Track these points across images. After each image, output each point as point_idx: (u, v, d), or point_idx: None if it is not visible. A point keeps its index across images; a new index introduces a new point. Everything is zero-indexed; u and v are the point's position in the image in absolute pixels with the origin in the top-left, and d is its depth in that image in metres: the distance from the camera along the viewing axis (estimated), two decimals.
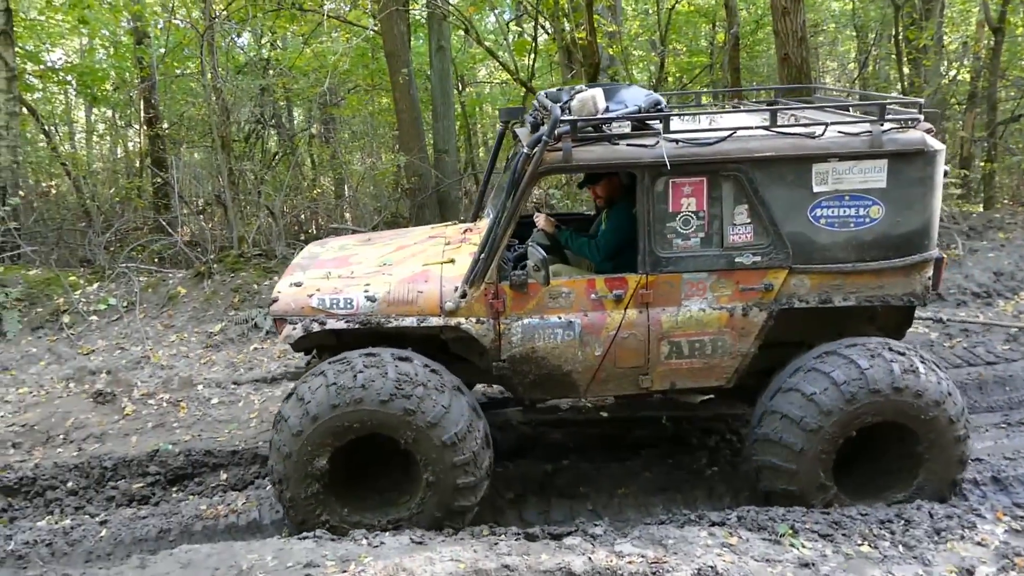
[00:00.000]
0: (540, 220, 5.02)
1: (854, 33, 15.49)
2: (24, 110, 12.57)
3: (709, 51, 14.54)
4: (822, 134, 4.14)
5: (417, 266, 4.58)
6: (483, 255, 4.24)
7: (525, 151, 4.17)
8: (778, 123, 4.22)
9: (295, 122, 16.10)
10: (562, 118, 4.08)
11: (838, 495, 4.20)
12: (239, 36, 13.92)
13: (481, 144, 15.42)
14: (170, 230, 10.28)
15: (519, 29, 13.53)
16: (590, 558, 3.51)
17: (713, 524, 3.93)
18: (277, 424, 4.16)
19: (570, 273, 4.67)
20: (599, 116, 4.20)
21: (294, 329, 4.38)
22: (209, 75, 11.03)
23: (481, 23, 14.12)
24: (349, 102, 14.43)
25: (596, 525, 4.04)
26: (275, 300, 4.49)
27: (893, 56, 12.42)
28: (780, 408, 4.16)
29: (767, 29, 13.54)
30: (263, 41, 14.32)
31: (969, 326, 7.11)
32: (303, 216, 12.07)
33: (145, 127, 13.57)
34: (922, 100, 4.47)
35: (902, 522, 3.93)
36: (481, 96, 15.48)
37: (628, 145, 4.16)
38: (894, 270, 4.25)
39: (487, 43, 11.77)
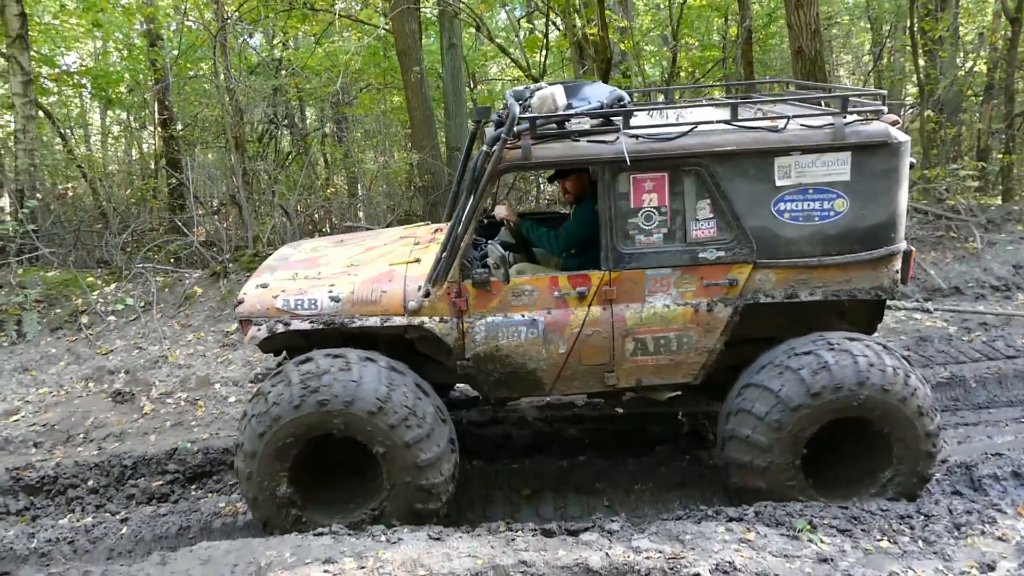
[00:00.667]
0: (501, 211, 5.04)
1: (868, 25, 15.37)
2: (40, 113, 12.69)
3: (722, 45, 14.46)
4: (784, 127, 4.11)
5: (383, 266, 4.58)
6: (445, 254, 4.23)
7: (484, 149, 4.17)
8: (740, 117, 4.18)
9: (308, 122, 16.17)
10: (521, 115, 4.08)
11: (807, 491, 4.14)
12: (251, 37, 13.99)
13: None
14: (185, 230, 10.34)
15: (530, 26, 13.50)
16: (607, 554, 3.50)
17: (730, 520, 3.91)
18: (241, 423, 4.20)
19: (535, 271, 4.66)
20: (558, 113, 4.20)
21: (259, 330, 4.39)
22: (222, 76, 11.09)
23: (492, 20, 14.11)
24: (361, 101, 14.48)
25: (613, 521, 4.04)
26: (240, 302, 4.49)
27: (908, 48, 12.30)
28: (746, 405, 4.13)
29: (780, 22, 13.46)
30: (275, 41, 14.39)
31: (987, 319, 7.06)
32: (317, 215, 12.12)
33: (159, 129, 13.66)
34: (885, 92, 4.40)
35: (921, 517, 3.91)
36: (493, 93, 15.47)
37: (588, 142, 4.15)
38: (861, 264, 4.20)
39: (498, 40, 11.77)
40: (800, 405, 4.00)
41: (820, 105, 4.75)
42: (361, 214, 12.53)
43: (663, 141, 4.09)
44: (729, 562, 3.40)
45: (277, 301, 4.41)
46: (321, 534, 3.83)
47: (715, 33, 15.70)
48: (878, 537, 3.72)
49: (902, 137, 4.10)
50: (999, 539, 3.65)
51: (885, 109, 4.21)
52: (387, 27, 11.56)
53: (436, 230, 5.20)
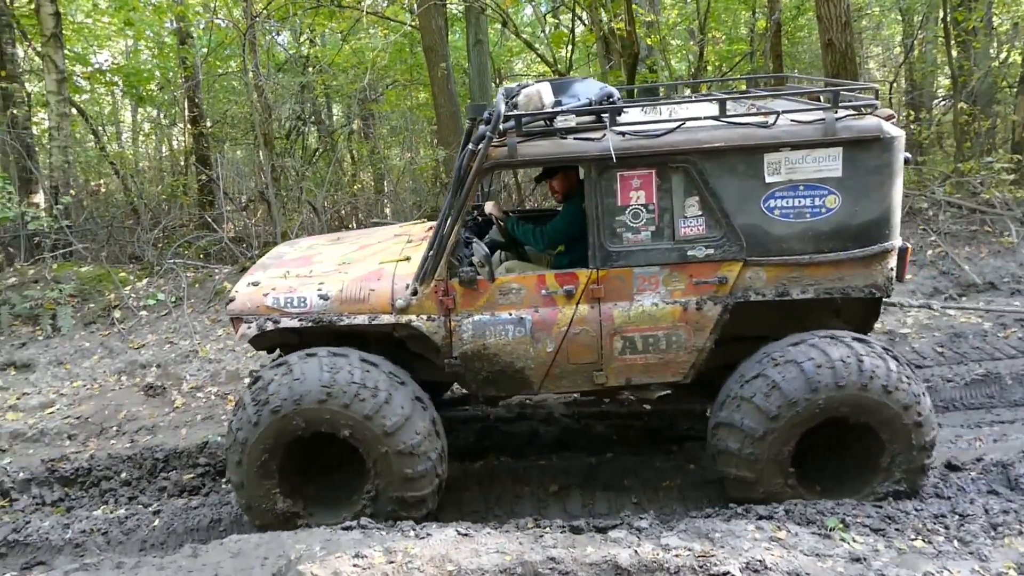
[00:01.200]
0: (488, 207, 5.03)
1: (899, 17, 15.11)
2: (74, 111, 12.90)
3: (750, 38, 14.30)
4: (773, 123, 4.04)
5: (374, 264, 4.56)
6: (432, 252, 4.22)
7: (471, 147, 4.14)
8: (729, 113, 4.12)
9: (334, 118, 16.26)
10: (507, 113, 4.06)
11: (795, 486, 4.11)
12: (279, 34, 14.10)
13: None
14: (215, 226, 10.46)
15: (556, 21, 13.46)
16: (636, 551, 3.49)
17: (761, 518, 3.87)
18: (230, 424, 4.24)
19: (524, 269, 4.62)
20: (544, 111, 4.16)
21: (248, 328, 4.42)
22: (251, 73, 11.19)
23: (518, 16, 14.08)
24: (388, 97, 14.53)
25: (642, 518, 4.02)
26: (231, 299, 4.51)
27: (940, 39, 12.09)
28: (744, 394, 4.07)
29: (809, 15, 13.28)
30: (302, 39, 14.47)
31: None
32: (344, 211, 12.19)
33: (189, 126, 13.82)
34: (877, 86, 4.30)
35: (956, 517, 3.85)
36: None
37: (575, 139, 4.11)
38: (854, 261, 4.12)
39: (524, 35, 11.74)
40: (799, 400, 3.94)
41: (819, 100, 4.66)
42: (388, 210, 12.60)
43: (650, 138, 4.04)
44: (760, 560, 3.38)
45: (267, 299, 4.44)
46: (350, 528, 3.85)
47: (743, 26, 15.54)
48: (912, 537, 3.66)
49: (895, 132, 4.02)
50: None
51: (878, 104, 4.13)
52: (413, 23, 11.59)
53: (429, 228, 5.17)
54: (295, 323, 4.38)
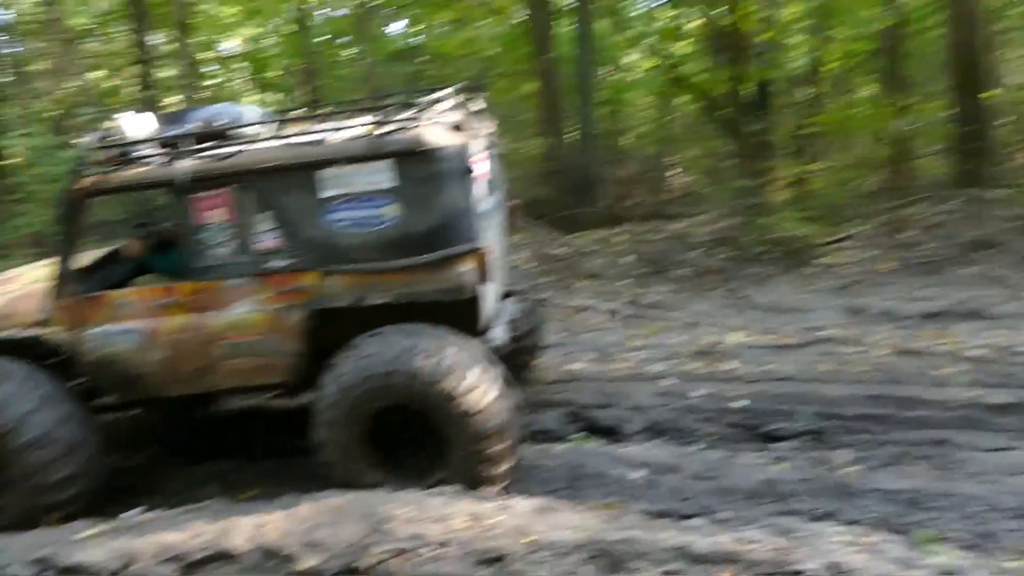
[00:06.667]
0: (125, 250, 5.37)
1: None
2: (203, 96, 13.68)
3: (873, 36, 13.71)
4: (322, 140, 4.35)
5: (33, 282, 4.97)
6: (59, 275, 4.63)
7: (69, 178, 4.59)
8: (286, 133, 4.52)
9: None
10: (90, 146, 4.53)
11: (371, 473, 4.30)
12: (393, 24, 14.52)
13: (629, 131, 15.33)
14: None
15: (668, 15, 13.32)
16: (714, 540, 3.49)
17: (849, 522, 3.80)
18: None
19: (151, 284, 4.97)
20: (128, 140, 4.56)
21: None
22: (366, 61, 11.59)
23: (629, 8, 13.99)
24: (495, 87, 14.72)
25: (724, 511, 4.00)
26: None
27: None
28: (324, 382, 4.35)
29: (939, 15, 12.65)
30: (415, 28, 14.85)
31: None
32: None
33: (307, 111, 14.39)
34: (422, 99, 4.68)
35: None
36: (628, 82, 15.34)
37: (158, 166, 4.48)
38: (421, 267, 4.33)
39: (634, 29, 11.68)
40: (354, 385, 4.24)
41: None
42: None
43: (221, 160, 4.39)
44: (841, 563, 3.31)
45: None
46: (438, 494, 4.01)
47: (866, 24, 14.90)
48: (1010, 556, 3.50)
49: (440, 142, 4.24)
50: None
51: (426, 116, 4.38)
52: (523, 14, 11.71)
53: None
54: None
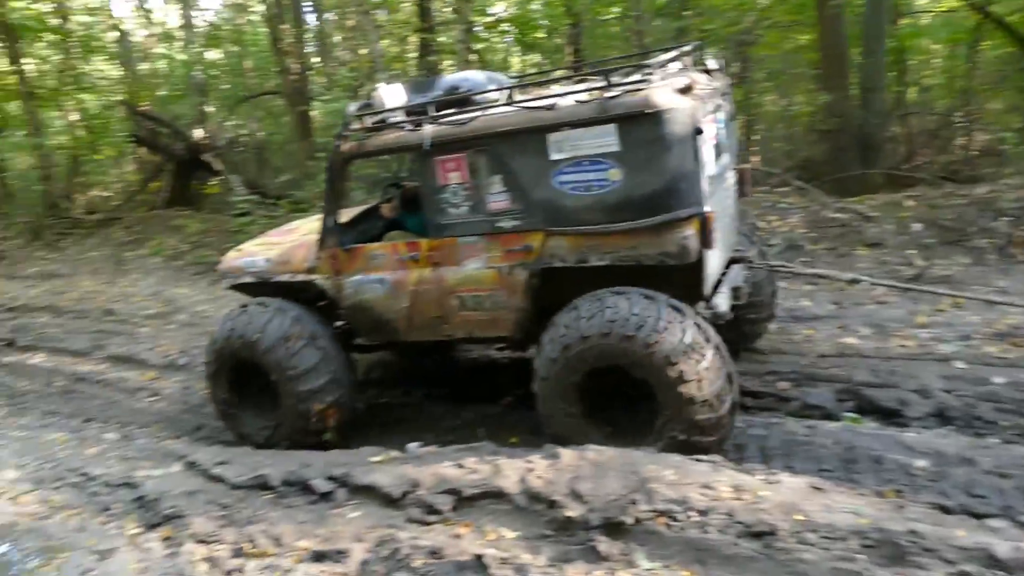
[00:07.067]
0: (384, 209, 5.91)
1: None
2: (473, 58, 14.39)
3: None
4: (555, 105, 4.38)
5: (312, 234, 5.57)
6: (323, 227, 5.28)
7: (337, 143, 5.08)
8: (518, 99, 4.62)
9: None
10: (352, 113, 5.05)
11: (583, 428, 4.44)
12: None
13: (915, 83, 13.76)
14: None
15: None
16: (1018, 545, 3.11)
17: None
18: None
19: (403, 239, 5.28)
20: (384, 108, 4.96)
21: (225, 282, 5.99)
22: (632, 16, 11.44)
23: None
24: (768, 39, 13.87)
25: None
26: (220, 261, 6.07)
27: None
28: (543, 339, 4.53)
29: None
30: None
31: None
32: None
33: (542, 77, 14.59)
34: (651, 61, 4.61)
35: None
36: (920, 28, 13.72)
37: (407, 131, 4.84)
38: (644, 230, 4.33)
39: None
40: (572, 343, 4.37)
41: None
42: (757, 159, 12.20)
43: (459, 126, 4.63)
44: None
45: (239, 261, 5.88)
46: (703, 461, 3.98)
47: None
48: None
49: (668, 104, 4.15)
50: None
51: (654, 79, 4.30)
52: None
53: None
54: (250, 279, 5.77)
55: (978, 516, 3.54)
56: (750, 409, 5.18)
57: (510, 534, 3.77)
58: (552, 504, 3.80)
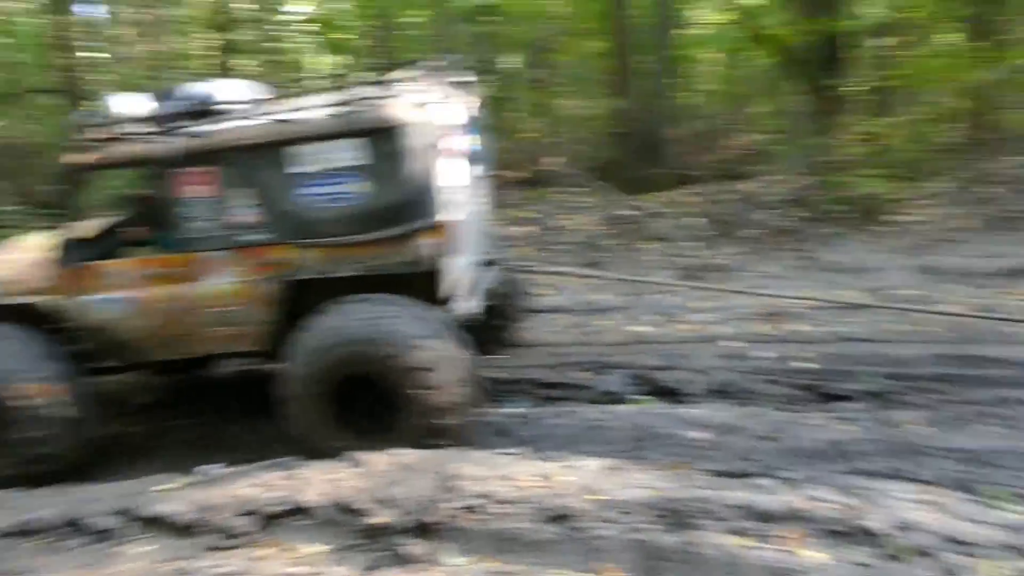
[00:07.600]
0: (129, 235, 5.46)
1: None
2: None
3: None
4: (291, 119, 4.45)
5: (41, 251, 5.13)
6: (59, 245, 4.85)
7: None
8: (260, 112, 4.60)
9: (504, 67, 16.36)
10: (82, 123, 4.81)
11: (334, 434, 4.49)
12: None
13: (694, 89, 14.95)
14: None
15: None
16: (781, 498, 3.51)
17: (918, 481, 3.80)
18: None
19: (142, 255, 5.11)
20: (121, 118, 4.75)
21: None
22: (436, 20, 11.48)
23: None
24: (565, 46, 14.46)
25: (790, 470, 4.01)
26: None
27: None
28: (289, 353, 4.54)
29: None
30: None
31: None
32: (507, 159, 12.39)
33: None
34: (390, 77, 4.70)
35: None
36: (700, 39, 14.90)
37: (144, 143, 4.65)
38: (387, 241, 4.49)
39: None
40: (322, 348, 4.45)
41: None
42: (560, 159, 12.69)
43: (203, 137, 4.55)
44: (909, 520, 3.30)
45: None
46: (508, 454, 4.13)
47: None
48: None
49: (402, 120, 4.32)
50: None
51: (394, 94, 4.44)
52: None
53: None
54: None
55: (748, 476, 3.95)
56: (551, 399, 5.47)
57: (318, 549, 3.68)
58: (360, 513, 3.76)
